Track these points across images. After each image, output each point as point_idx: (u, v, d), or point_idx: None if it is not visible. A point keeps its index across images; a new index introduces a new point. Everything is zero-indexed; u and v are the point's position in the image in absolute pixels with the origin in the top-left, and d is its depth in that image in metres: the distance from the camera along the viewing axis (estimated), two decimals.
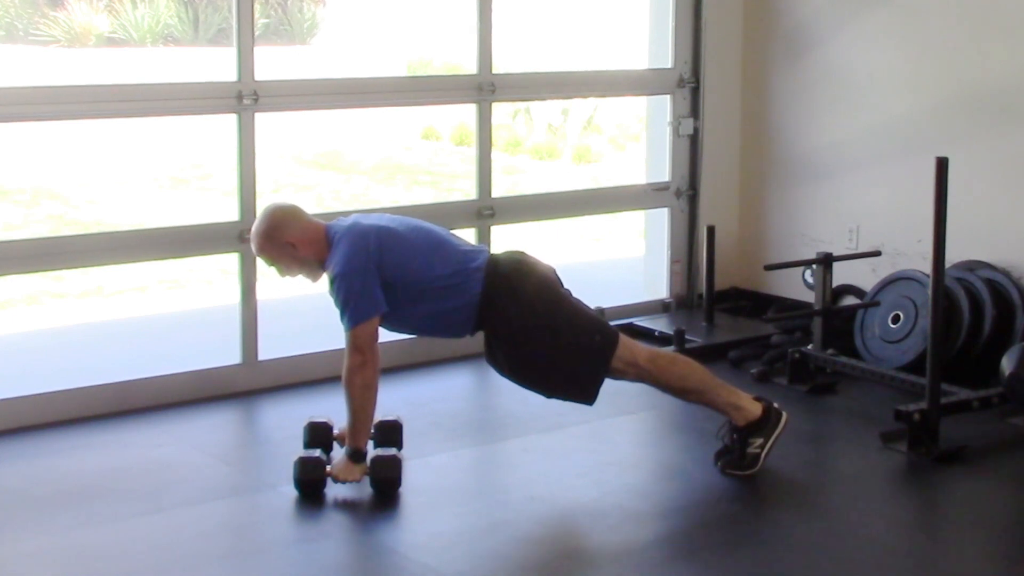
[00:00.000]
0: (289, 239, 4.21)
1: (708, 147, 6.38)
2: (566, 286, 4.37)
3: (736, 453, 4.33)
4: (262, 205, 4.57)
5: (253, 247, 4.31)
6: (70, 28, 15.29)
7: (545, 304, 4.22)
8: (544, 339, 4.19)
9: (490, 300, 4.19)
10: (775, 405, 4.37)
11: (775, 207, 6.38)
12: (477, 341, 4.38)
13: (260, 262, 5.21)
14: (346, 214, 4.43)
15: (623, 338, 4.28)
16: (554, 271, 4.36)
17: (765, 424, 4.31)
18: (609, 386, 4.31)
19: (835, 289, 5.58)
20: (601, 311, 5.93)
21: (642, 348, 4.35)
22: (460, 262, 4.23)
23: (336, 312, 4.16)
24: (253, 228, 4.30)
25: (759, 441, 4.30)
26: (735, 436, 4.33)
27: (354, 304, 4.10)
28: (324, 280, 4.22)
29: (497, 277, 4.21)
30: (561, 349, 4.20)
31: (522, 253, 4.38)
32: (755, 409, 4.32)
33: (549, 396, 4.36)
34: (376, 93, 5.96)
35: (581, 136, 13.53)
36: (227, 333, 5.37)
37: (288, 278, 4.34)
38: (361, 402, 4.14)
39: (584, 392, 4.28)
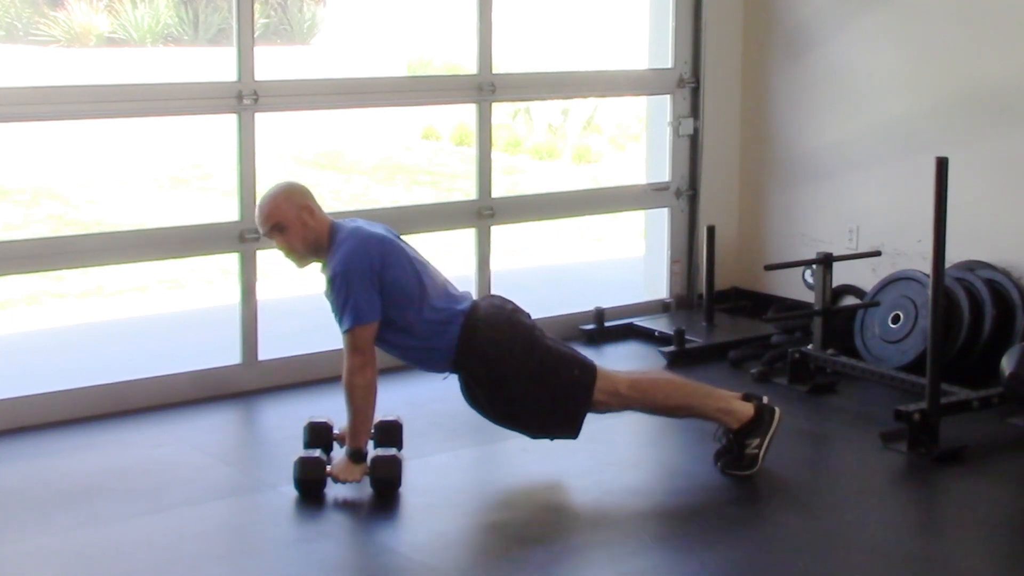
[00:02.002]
0: (306, 203, 4.21)
1: (708, 147, 6.38)
2: (541, 327, 4.39)
3: (734, 454, 4.33)
4: None
5: (264, 210, 4.21)
6: (70, 28, 15.29)
7: (522, 346, 4.24)
8: (523, 379, 4.22)
9: (468, 344, 4.21)
10: (765, 401, 4.36)
11: (775, 207, 6.38)
12: None
13: (258, 260, 5.22)
14: (346, 214, 4.42)
15: (601, 370, 4.29)
16: (529, 316, 4.39)
17: (759, 424, 4.31)
18: None
19: (835, 289, 5.58)
20: (600, 312, 5.95)
21: (622, 376, 4.35)
22: (448, 301, 4.27)
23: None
24: (267, 193, 4.25)
25: (756, 441, 4.30)
26: (731, 439, 4.33)
27: (353, 305, 4.09)
28: (323, 282, 4.21)
29: (476, 322, 4.23)
30: (541, 388, 4.23)
31: (501, 298, 4.43)
32: (746, 410, 4.32)
33: (534, 436, 4.37)
34: (376, 93, 5.96)
35: (581, 136, 13.52)
36: (227, 333, 5.37)
37: (282, 253, 4.28)
38: (361, 403, 4.14)
39: (568, 427, 4.30)
